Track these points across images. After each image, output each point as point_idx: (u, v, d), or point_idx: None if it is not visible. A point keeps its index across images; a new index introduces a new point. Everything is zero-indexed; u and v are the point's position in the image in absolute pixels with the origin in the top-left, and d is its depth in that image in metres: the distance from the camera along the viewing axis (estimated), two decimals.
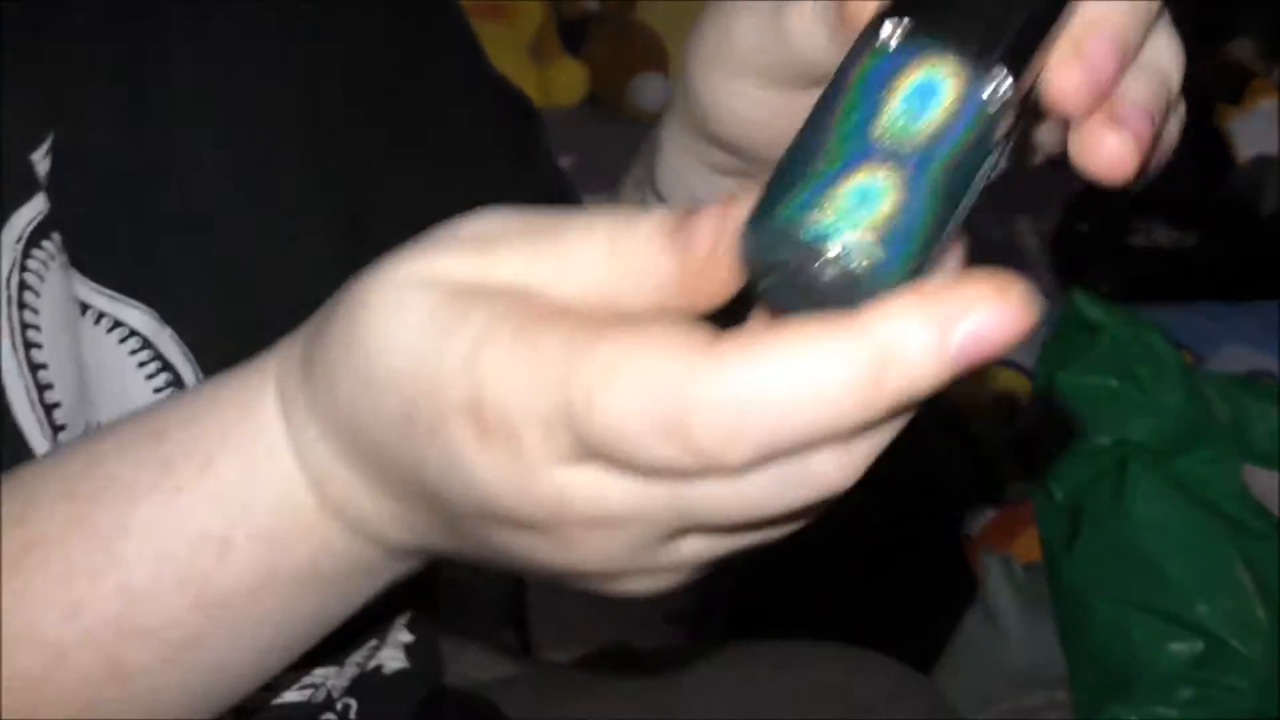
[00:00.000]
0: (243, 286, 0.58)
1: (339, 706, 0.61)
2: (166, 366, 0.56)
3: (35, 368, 0.52)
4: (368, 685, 0.62)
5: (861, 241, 0.32)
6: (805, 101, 0.44)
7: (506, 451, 0.33)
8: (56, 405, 0.53)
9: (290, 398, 0.38)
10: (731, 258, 0.33)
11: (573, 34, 1.64)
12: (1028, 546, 1.22)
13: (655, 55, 1.62)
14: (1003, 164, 0.36)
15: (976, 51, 0.33)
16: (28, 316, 0.52)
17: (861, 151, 0.33)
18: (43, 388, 0.52)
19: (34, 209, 0.53)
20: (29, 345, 0.52)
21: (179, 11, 0.58)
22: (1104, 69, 0.38)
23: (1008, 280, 0.30)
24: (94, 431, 0.54)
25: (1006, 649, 1.17)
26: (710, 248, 0.33)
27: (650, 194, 0.56)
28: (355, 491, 0.38)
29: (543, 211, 0.36)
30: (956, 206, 0.33)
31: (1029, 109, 0.36)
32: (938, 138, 0.33)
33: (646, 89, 1.57)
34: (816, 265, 0.32)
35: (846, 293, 0.32)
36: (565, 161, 1.53)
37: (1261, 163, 1.76)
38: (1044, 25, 0.36)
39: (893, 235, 0.32)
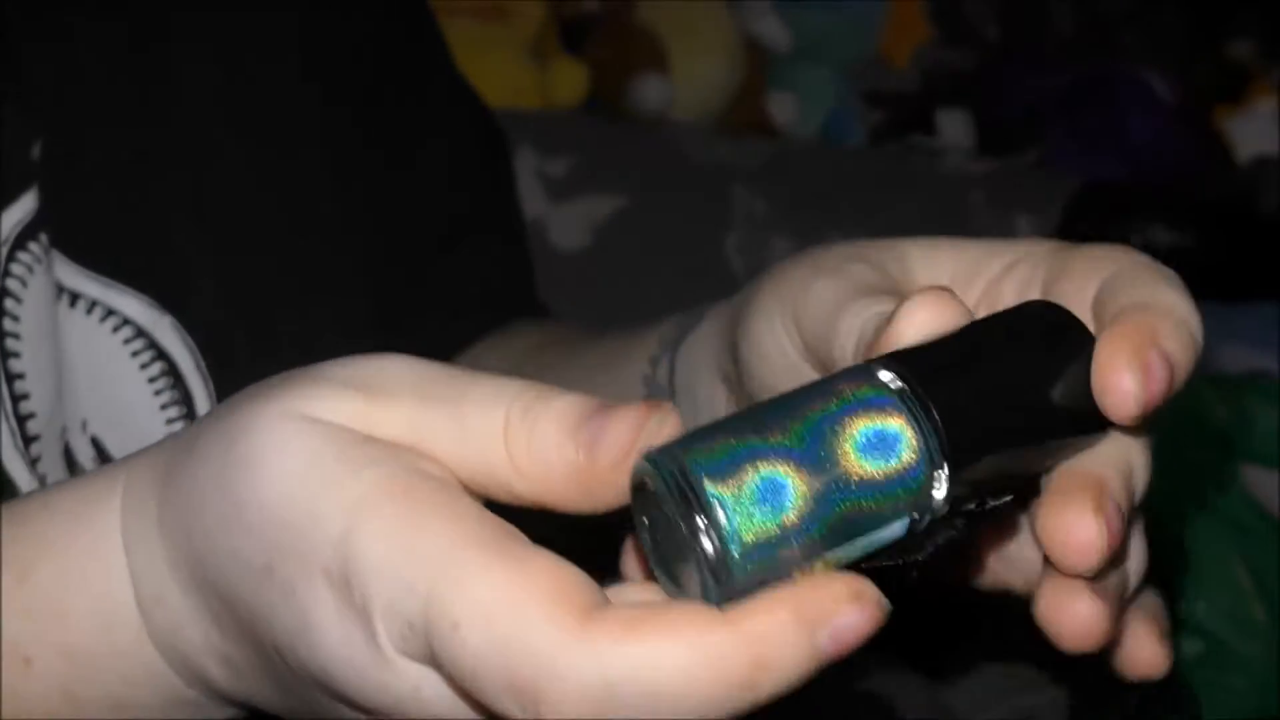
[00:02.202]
0: (246, 274, 0.58)
1: None
2: (161, 355, 0.56)
3: (12, 378, 0.52)
4: None
5: (744, 537, 0.32)
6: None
7: (363, 631, 0.32)
8: (31, 416, 0.53)
9: (137, 511, 0.37)
10: (629, 474, 0.33)
11: (573, 34, 1.64)
12: None
13: (655, 55, 1.62)
14: (926, 551, 0.36)
15: (946, 445, 0.34)
16: (8, 324, 0.52)
17: (796, 452, 0.33)
18: (18, 398, 0.52)
19: (22, 209, 0.53)
20: (7, 355, 0.52)
21: (180, 4, 0.58)
22: (1115, 535, 0.38)
23: (862, 583, 0.32)
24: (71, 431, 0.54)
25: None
26: (615, 460, 0.33)
27: (665, 367, 0.56)
28: (185, 621, 0.36)
29: (441, 368, 0.35)
30: (834, 548, 0.34)
31: (980, 518, 0.36)
32: (864, 485, 0.34)
33: (646, 89, 1.57)
34: (698, 527, 0.32)
35: (710, 565, 0.32)
36: (565, 162, 1.53)
37: (1261, 163, 1.76)
38: (1037, 445, 0.37)
39: (770, 544, 0.33)
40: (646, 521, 0.34)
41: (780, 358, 0.46)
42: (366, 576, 0.32)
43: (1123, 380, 0.37)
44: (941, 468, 0.34)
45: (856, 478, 0.34)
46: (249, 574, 0.34)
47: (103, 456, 0.55)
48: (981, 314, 0.42)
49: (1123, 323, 0.38)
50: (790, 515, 0.33)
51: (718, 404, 0.52)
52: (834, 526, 0.33)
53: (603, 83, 1.60)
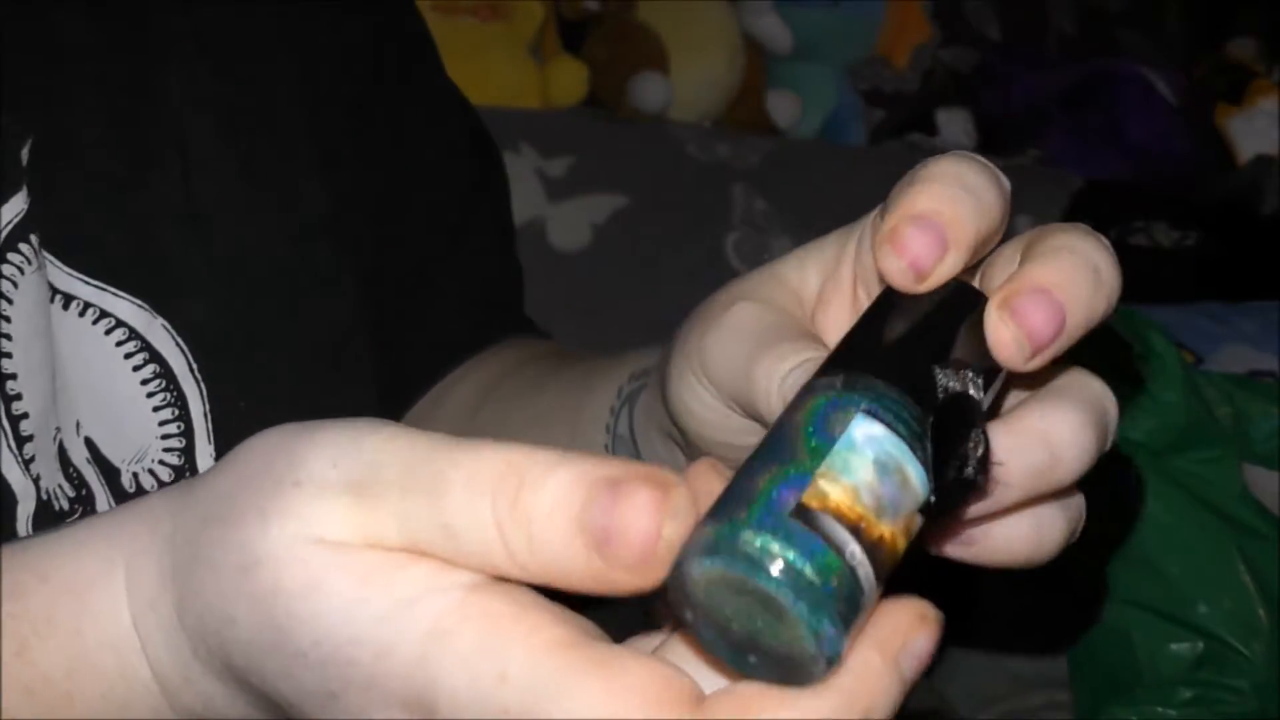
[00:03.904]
0: (237, 277, 0.58)
1: None
2: (154, 357, 0.56)
3: (4, 378, 0.52)
4: None
5: (792, 555, 0.32)
6: (752, 425, 0.46)
7: None
8: (24, 416, 0.52)
9: (150, 604, 0.36)
10: (662, 568, 0.32)
11: (573, 34, 1.64)
12: None
13: (655, 55, 1.61)
14: (964, 464, 0.37)
15: (903, 391, 0.35)
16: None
17: (799, 480, 0.33)
18: (10, 398, 0.52)
19: (12, 210, 0.52)
20: None
21: (171, 5, 0.58)
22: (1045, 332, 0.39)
23: (923, 605, 0.34)
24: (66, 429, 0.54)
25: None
26: (637, 561, 0.31)
27: (626, 419, 0.56)
28: (217, 697, 0.36)
29: (422, 445, 0.33)
30: (884, 516, 0.34)
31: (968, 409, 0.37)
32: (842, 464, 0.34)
33: (646, 89, 1.57)
34: (763, 578, 0.32)
35: (787, 599, 0.32)
36: (565, 161, 1.53)
37: (1261, 163, 1.76)
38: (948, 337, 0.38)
39: (841, 569, 0.33)
40: (693, 615, 0.33)
41: (710, 413, 0.47)
42: (455, 705, 0.32)
43: (1001, 333, 0.38)
44: (909, 424, 0.35)
45: (856, 463, 0.34)
46: (308, 696, 0.34)
47: (96, 457, 0.55)
48: (861, 290, 0.45)
49: (1014, 274, 0.39)
50: (840, 534, 0.33)
51: (678, 462, 0.53)
52: (876, 507, 0.34)
53: (603, 82, 1.60)
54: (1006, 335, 0.38)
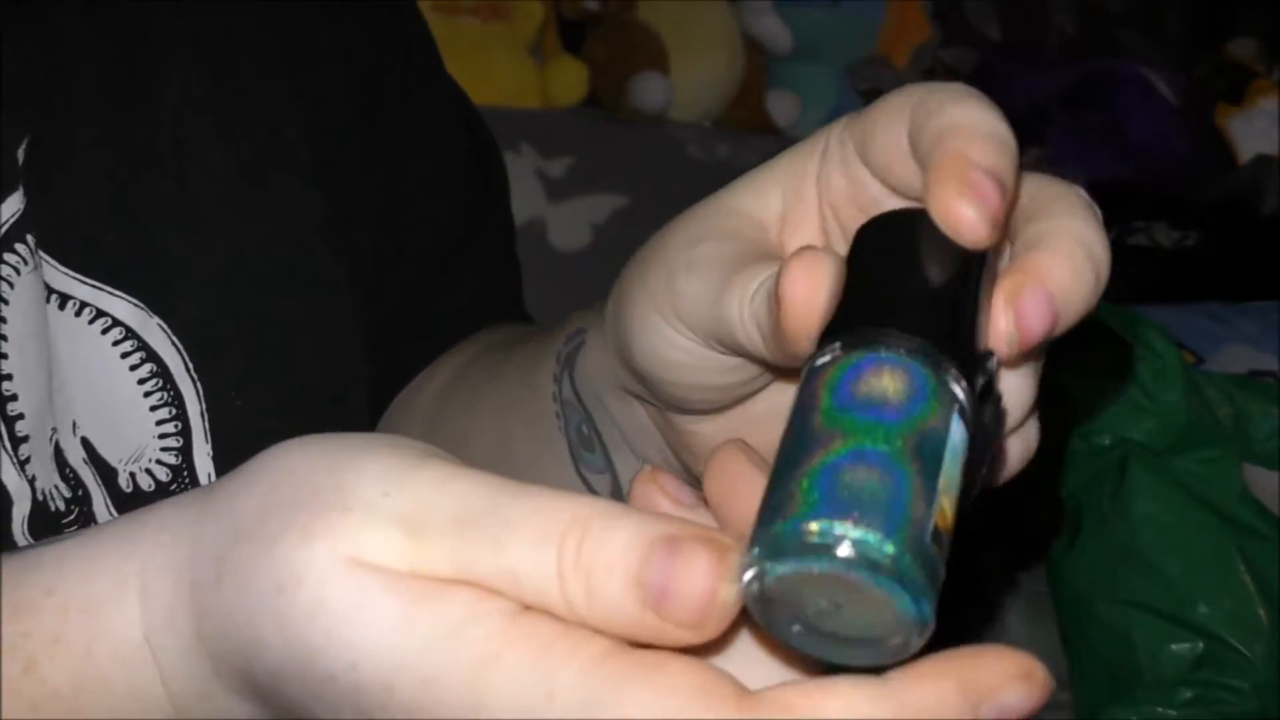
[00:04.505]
0: (234, 277, 0.58)
1: None
2: (151, 357, 0.56)
3: (0, 378, 0.52)
4: None
5: (859, 532, 0.32)
6: (731, 362, 0.45)
7: None
8: (20, 417, 0.52)
9: (166, 621, 0.36)
10: (716, 626, 0.32)
11: (573, 34, 1.64)
12: None
13: (655, 55, 1.61)
14: (995, 435, 0.37)
15: (913, 349, 0.35)
16: None
17: (841, 455, 0.33)
18: (6, 399, 0.52)
19: (8, 210, 0.52)
20: None
21: (170, 7, 0.58)
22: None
23: (1032, 663, 0.33)
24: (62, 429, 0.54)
25: None
26: (692, 621, 0.32)
27: (568, 385, 0.55)
28: (236, 711, 0.36)
29: (480, 484, 0.33)
30: (935, 481, 0.33)
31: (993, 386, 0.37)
32: (895, 425, 0.34)
33: (646, 89, 1.57)
34: (836, 563, 0.31)
35: (860, 577, 0.32)
36: (565, 161, 1.53)
37: (1261, 163, 1.76)
38: (968, 295, 0.38)
39: (882, 516, 0.32)
40: (773, 617, 0.33)
41: (687, 356, 0.46)
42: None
43: (960, 209, 0.37)
44: (925, 362, 0.35)
45: (885, 429, 0.34)
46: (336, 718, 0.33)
47: (93, 458, 0.55)
48: (826, 209, 0.44)
49: (937, 159, 0.39)
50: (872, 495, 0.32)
51: (637, 418, 0.52)
52: (915, 471, 0.33)
53: (603, 82, 1.60)
54: (1002, 328, 0.38)
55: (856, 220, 0.43)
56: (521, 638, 0.32)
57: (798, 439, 0.34)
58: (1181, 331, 1.28)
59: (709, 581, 0.31)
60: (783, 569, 0.32)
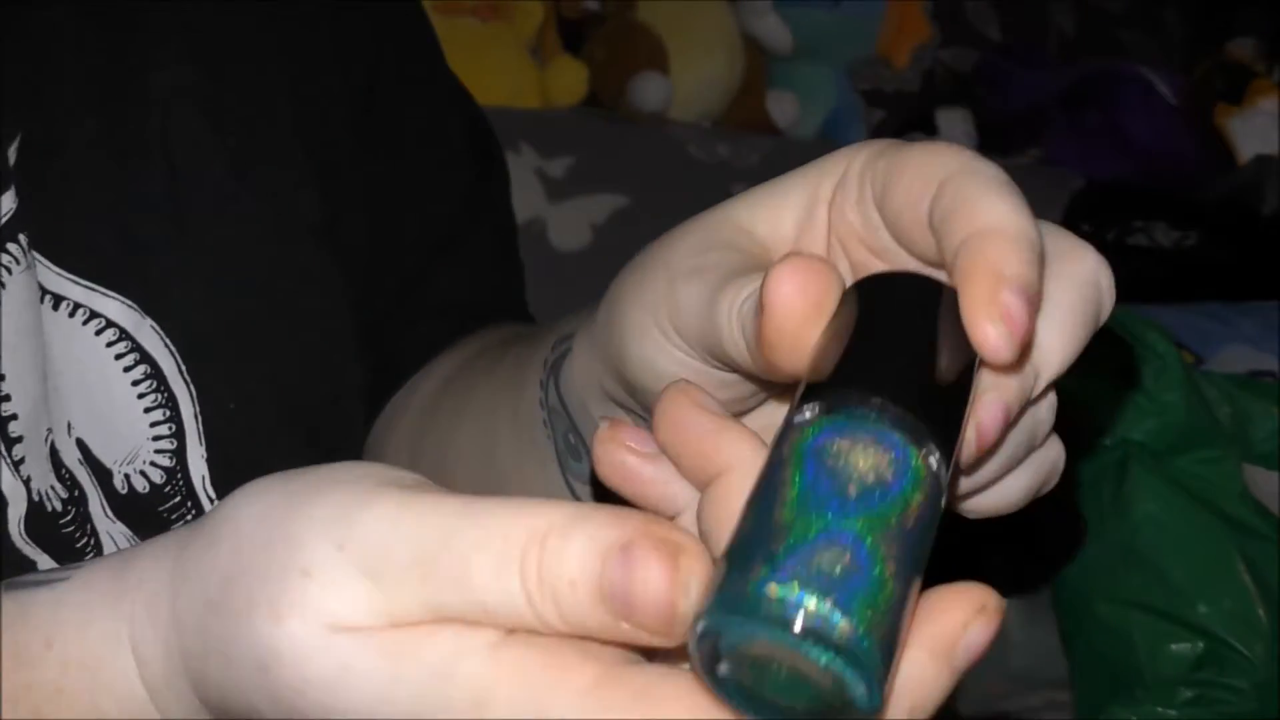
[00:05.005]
0: (226, 278, 0.58)
1: None
2: (145, 358, 0.55)
3: None
4: None
5: (823, 607, 0.31)
6: (724, 378, 0.44)
7: None
8: (13, 417, 0.52)
9: (163, 681, 0.36)
10: (686, 630, 0.32)
11: (573, 33, 1.64)
12: None
13: (655, 55, 1.61)
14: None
15: (895, 423, 0.34)
16: None
17: (816, 522, 0.32)
18: None
19: (2, 209, 0.52)
20: None
21: (159, 8, 0.57)
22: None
23: (984, 594, 0.34)
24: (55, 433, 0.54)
25: (1006, 649, 1.17)
26: (660, 628, 0.32)
27: (553, 392, 0.55)
28: None
29: (433, 513, 0.33)
30: (908, 561, 0.33)
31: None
32: (891, 507, 0.33)
33: (646, 89, 1.57)
34: (793, 637, 0.31)
35: (817, 648, 0.31)
36: (565, 161, 1.53)
37: (1261, 163, 1.76)
38: (958, 382, 0.37)
39: (851, 595, 0.31)
40: (723, 670, 0.32)
41: (680, 369, 0.44)
42: None
43: (988, 331, 0.37)
44: (907, 440, 0.34)
45: (866, 505, 0.33)
46: None
47: (88, 459, 0.55)
48: (835, 241, 0.43)
49: (968, 268, 0.38)
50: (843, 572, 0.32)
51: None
52: (890, 556, 0.32)
53: (603, 82, 1.60)
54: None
55: (866, 260, 0.43)
56: (509, 672, 0.32)
57: (769, 498, 0.33)
58: (1181, 331, 1.28)
59: (666, 594, 0.31)
60: (735, 634, 0.31)
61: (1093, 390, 1.14)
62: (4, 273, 0.52)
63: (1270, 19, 1.95)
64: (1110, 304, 0.42)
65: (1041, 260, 0.38)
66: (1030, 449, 0.42)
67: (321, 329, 0.62)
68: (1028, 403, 0.40)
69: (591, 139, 1.50)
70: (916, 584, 0.33)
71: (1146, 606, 1.09)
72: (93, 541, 0.55)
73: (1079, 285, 0.41)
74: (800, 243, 0.44)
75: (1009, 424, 0.39)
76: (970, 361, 0.38)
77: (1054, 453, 0.43)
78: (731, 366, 0.43)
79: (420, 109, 0.69)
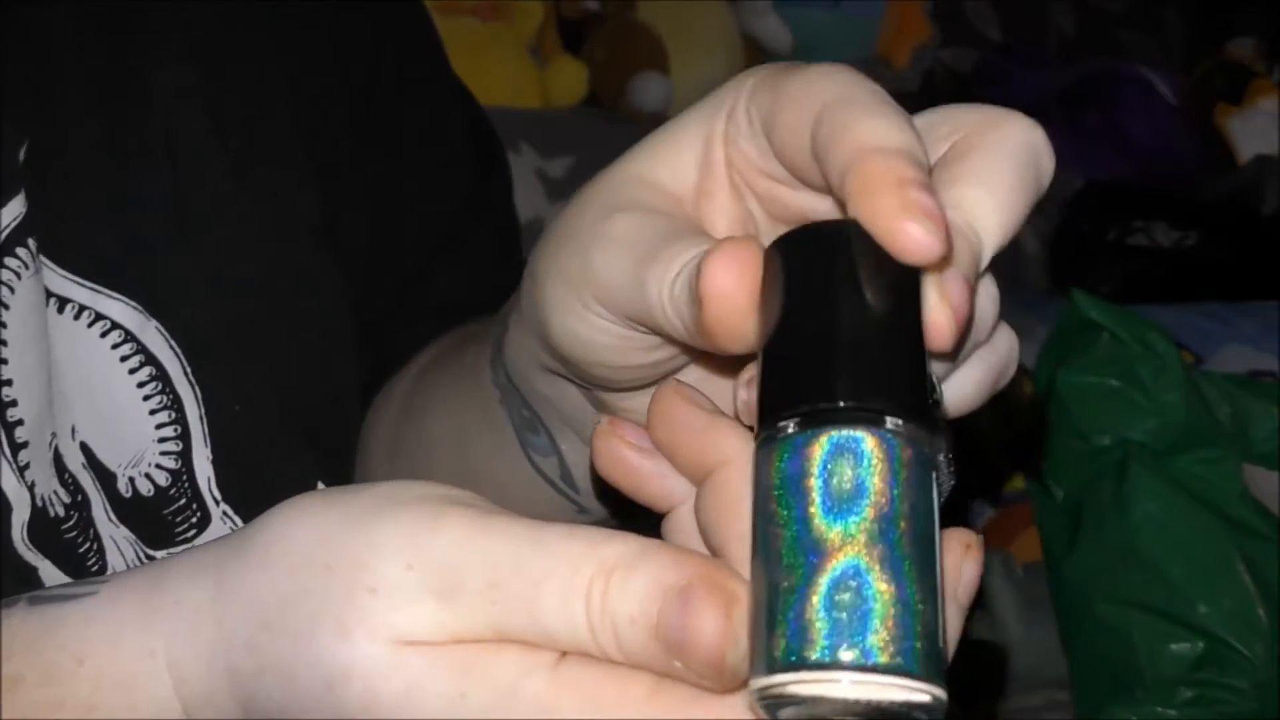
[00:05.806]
0: (227, 278, 0.58)
1: None
2: (150, 360, 0.55)
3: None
4: None
5: (872, 642, 0.31)
6: (653, 340, 0.43)
7: None
8: (19, 423, 0.52)
9: (204, 699, 0.37)
10: (735, 681, 0.33)
11: (573, 33, 1.64)
12: (1028, 546, 1.21)
13: (655, 55, 1.62)
14: (949, 481, 0.36)
15: (856, 419, 0.33)
16: None
17: (817, 554, 0.32)
18: (5, 404, 0.51)
19: (11, 213, 0.52)
20: None
21: (159, 8, 0.57)
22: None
23: (967, 535, 0.37)
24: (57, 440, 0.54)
25: (1007, 649, 1.17)
26: (711, 673, 0.33)
27: (502, 370, 0.55)
28: None
29: (502, 535, 0.34)
30: (933, 555, 0.33)
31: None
32: (882, 505, 0.33)
33: (646, 89, 1.57)
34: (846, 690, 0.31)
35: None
36: (565, 161, 1.53)
37: (1261, 163, 1.76)
38: (916, 330, 0.36)
39: (878, 625, 0.31)
40: (786, 714, 0.32)
41: (606, 338, 0.44)
42: None
43: (909, 228, 0.34)
44: (885, 428, 0.33)
45: (873, 510, 0.33)
46: None
47: (92, 463, 0.55)
48: (736, 176, 0.42)
49: (856, 189, 0.36)
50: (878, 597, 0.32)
51: (570, 398, 0.51)
52: (910, 555, 0.32)
53: (603, 82, 1.60)
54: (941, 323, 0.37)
55: (770, 190, 0.42)
56: (572, 688, 0.33)
57: (769, 544, 0.33)
58: (1181, 331, 1.28)
59: (717, 645, 0.33)
60: (787, 702, 0.32)
61: (1092, 390, 1.14)
62: (13, 278, 0.52)
63: (1270, 19, 1.95)
64: (1050, 165, 0.41)
65: (926, 168, 0.37)
66: (975, 343, 0.41)
67: (321, 329, 0.62)
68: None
69: (592, 139, 1.50)
70: (937, 546, 0.33)
71: (1146, 606, 1.08)
72: (95, 546, 0.55)
73: (1010, 151, 0.40)
74: (703, 185, 0.43)
75: (973, 295, 0.37)
76: (909, 284, 0.36)
77: (1004, 344, 0.42)
78: (657, 330, 0.42)
79: (421, 109, 0.69)
